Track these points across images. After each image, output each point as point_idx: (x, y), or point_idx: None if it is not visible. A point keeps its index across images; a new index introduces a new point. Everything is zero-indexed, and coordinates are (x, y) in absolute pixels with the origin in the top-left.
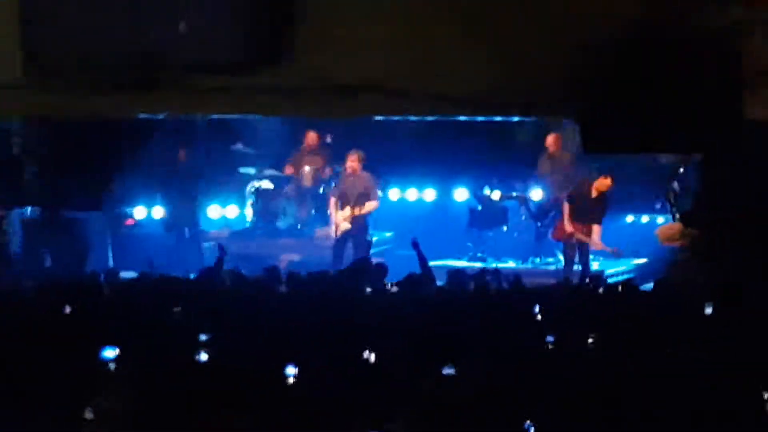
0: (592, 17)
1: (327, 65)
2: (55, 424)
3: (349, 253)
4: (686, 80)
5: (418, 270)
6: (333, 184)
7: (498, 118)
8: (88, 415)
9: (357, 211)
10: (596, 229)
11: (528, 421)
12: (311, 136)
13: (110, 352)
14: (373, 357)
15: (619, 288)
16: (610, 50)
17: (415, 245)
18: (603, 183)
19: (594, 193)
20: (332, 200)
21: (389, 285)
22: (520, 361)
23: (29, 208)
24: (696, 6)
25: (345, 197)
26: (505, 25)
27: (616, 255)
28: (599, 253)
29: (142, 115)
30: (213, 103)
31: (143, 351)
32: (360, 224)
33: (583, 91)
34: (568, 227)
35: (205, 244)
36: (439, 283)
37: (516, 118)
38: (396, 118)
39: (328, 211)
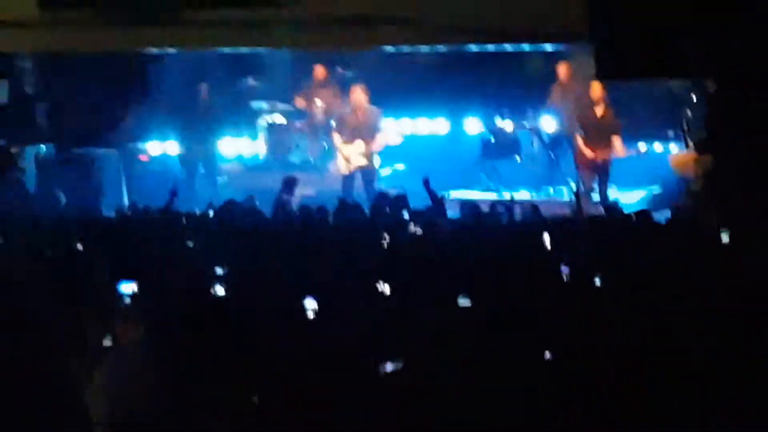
0: None
1: None
2: (70, 360)
3: (360, 187)
4: (701, 4)
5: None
6: (338, 117)
7: (509, 47)
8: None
9: (370, 146)
10: (617, 139)
11: (544, 352)
12: (320, 70)
13: (127, 287)
14: (387, 289)
15: (634, 217)
16: None
17: (426, 183)
18: (595, 90)
19: (599, 110)
20: (337, 135)
21: (404, 218)
22: (535, 292)
23: (43, 146)
24: None
25: (353, 132)
26: None
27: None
28: (614, 182)
29: (153, 50)
30: (224, 37)
31: (159, 286)
32: (372, 158)
33: (595, 16)
34: (587, 153)
35: (219, 179)
36: (452, 215)
37: (527, 46)
38: (406, 48)
39: (327, 145)
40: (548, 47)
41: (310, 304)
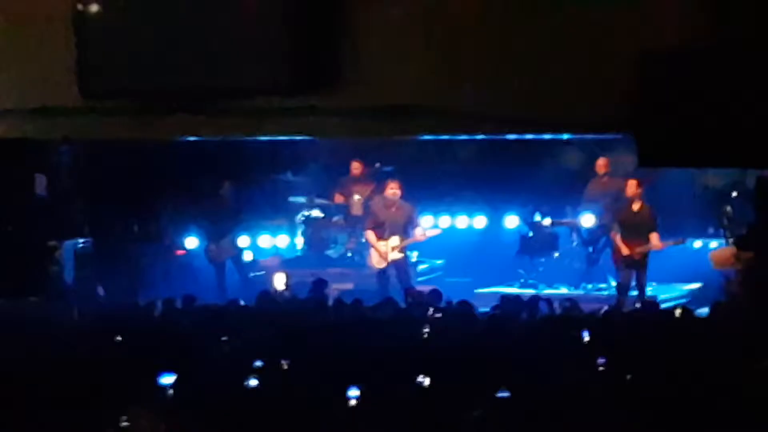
0: (644, 27)
1: (374, 85)
2: None
3: (396, 281)
4: (743, 92)
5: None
6: (370, 213)
7: (548, 136)
8: None
9: (404, 241)
10: (654, 235)
11: None
12: (357, 165)
13: (167, 379)
14: (428, 381)
15: (677, 313)
16: (663, 61)
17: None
18: (631, 186)
19: (636, 206)
20: (369, 232)
21: (442, 311)
22: (573, 386)
23: (81, 239)
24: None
25: (388, 226)
26: (553, 38)
27: (681, 243)
28: (653, 279)
29: (191, 138)
30: (263, 126)
31: (198, 378)
32: (406, 253)
33: (636, 104)
34: (624, 249)
35: (257, 273)
36: (490, 309)
37: (566, 136)
38: (444, 137)
39: (365, 240)
40: (587, 137)
41: (354, 393)
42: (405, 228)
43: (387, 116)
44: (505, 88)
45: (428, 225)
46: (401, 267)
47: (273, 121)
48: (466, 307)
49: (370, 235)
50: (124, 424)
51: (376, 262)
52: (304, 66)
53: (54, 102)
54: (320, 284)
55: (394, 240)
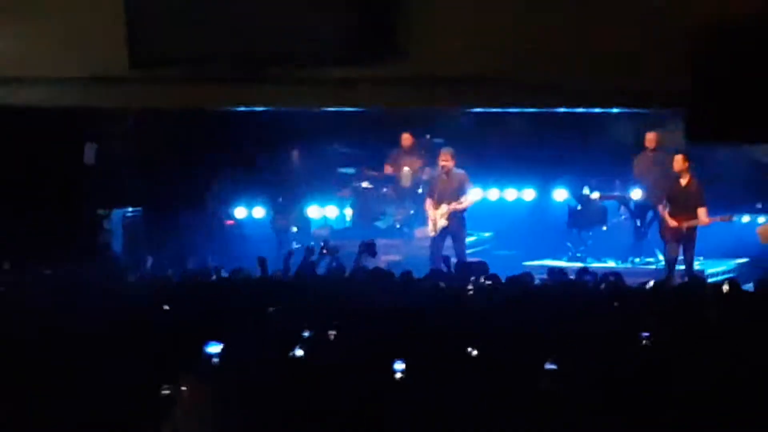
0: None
1: (432, 56)
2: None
3: (449, 251)
4: None
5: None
6: (431, 183)
7: (598, 110)
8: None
9: (454, 207)
10: (702, 210)
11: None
12: (407, 137)
13: (214, 348)
14: (476, 353)
15: (724, 287)
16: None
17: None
18: (679, 161)
19: (684, 181)
20: (428, 200)
21: (490, 283)
22: (620, 359)
23: (130, 208)
24: None
25: (440, 195)
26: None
27: (728, 220)
28: (700, 253)
29: (242, 109)
30: (314, 96)
31: (245, 348)
32: (457, 220)
33: (688, 79)
34: (672, 223)
35: (306, 243)
36: (538, 282)
37: (616, 110)
38: (496, 110)
39: (425, 210)
40: (640, 111)
41: (398, 366)
42: (456, 196)
43: (439, 87)
44: (558, 61)
45: (477, 197)
46: (455, 235)
47: (324, 92)
48: (516, 279)
49: (428, 203)
50: (169, 392)
51: (429, 230)
52: (357, 35)
53: (104, 71)
54: (370, 245)
55: (443, 208)
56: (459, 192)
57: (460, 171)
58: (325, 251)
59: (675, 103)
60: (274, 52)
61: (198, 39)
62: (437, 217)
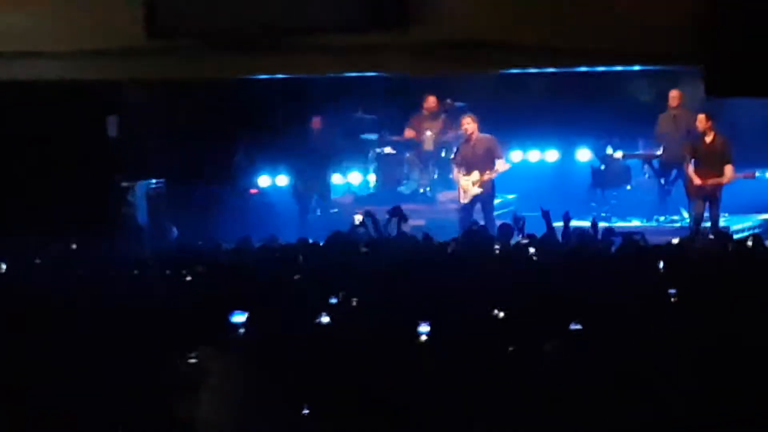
0: None
1: (445, 20)
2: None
3: (479, 217)
4: None
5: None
6: (455, 149)
7: (619, 68)
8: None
9: (488, 176)
10: (728, 167)
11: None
12: (430, 100)
13: (239, 317)
14: (502, 314)
15: (749, 243)
16: None
17: (546, 215)
18: (702, 119)
19: (708, 138)
20: (455, 168)
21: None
22: (646, 317)
23: (154, 180)
24: None
25: (468, 161)
26: None
27: (752, 177)
28: (725, 209)
29: (261, 76)
30: (334, 63)
31: (271, 317)
32: (488, 187)
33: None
34: (697, 180)
35: (330, 211)
36: (563, 241)
37: (637, 67)
38: (515, 71)
39: (452, 177)
40: (658, 68)
41: (425, 329)
42: (486, 161)
43: (458, 52)
44: (577, 20)
45: (508, 165)
46: (485, 202)
47: (344, 58)
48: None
49: (456, 172)
50: (195, 361)
51: (460, 197)
52: (374, 2)
53: (122, 42)
54: (398, 210)
55: (475, 175)
56: (487, 158)
57: (487, 135)
58: (389, 216)
59: (693, 61)
60: (293, 20)
61: (216, 8)
62: (469, 185)
